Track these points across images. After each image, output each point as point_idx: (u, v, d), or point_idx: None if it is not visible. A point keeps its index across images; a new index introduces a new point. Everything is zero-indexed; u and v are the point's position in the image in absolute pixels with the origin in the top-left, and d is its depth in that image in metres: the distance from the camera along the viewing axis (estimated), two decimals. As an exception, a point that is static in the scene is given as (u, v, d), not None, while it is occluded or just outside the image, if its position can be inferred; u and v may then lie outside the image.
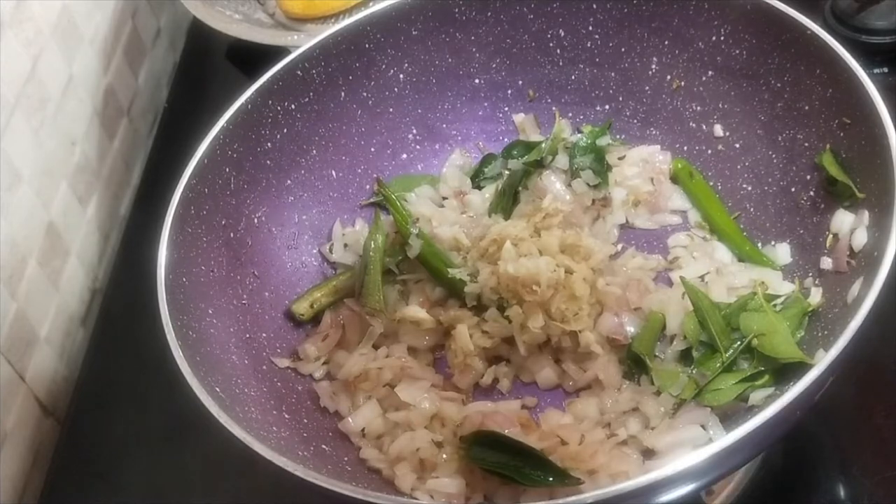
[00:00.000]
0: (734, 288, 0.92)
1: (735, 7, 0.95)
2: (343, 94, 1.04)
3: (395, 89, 1.06)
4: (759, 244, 0.95)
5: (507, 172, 1.05)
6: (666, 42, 1.01)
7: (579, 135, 1.05)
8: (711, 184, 1.01)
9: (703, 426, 0.81)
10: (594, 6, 1.02)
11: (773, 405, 0.67)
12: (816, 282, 0.88)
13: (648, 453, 0.83)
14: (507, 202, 1.02)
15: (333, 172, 1.05)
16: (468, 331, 0.92)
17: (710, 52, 0.98)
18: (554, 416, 0.88)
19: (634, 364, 0.89)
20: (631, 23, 1.02)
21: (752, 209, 0.97)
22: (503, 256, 0.91)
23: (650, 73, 1.03)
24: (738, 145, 0.99)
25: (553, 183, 1.01)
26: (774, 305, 0.87)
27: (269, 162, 1.00)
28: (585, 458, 0.81)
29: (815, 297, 0.86)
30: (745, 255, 0.95)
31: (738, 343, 0.84)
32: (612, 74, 1.05)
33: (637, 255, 0.98)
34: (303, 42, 1.01)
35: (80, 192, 1.26)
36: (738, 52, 0.96)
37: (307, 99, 1.01)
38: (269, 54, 1.10)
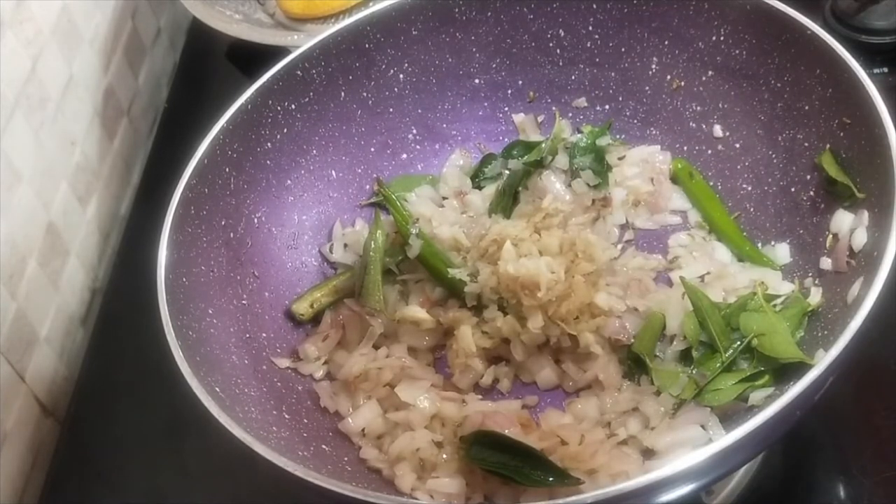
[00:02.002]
0: (734, 288, 0.92)
1: (735, 7, 0.95)
2: (343, 94, 1.04)
3: (395, 89, 1.06)
4: (759, 244, 0.95)
5: (507, 172, 1.05)
6: (666, 42, 1.01)
7: (579, 135, 1.05)
8: (711, 184, 1.01)
9: (703, 426, 0.81)
10: (594, 6, 1.02)
11: (773, 405, 0.67)
12: (816, 282, 0.88)
13: (648, 453, 0.83)
14: (507, 202, 1.02)
15: (333, 172, 1.05)
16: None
17: (710, 52, 0.98)
18: (554, 416, 0.88)
19: (634, 364, 0.89)
20: (631, 23, 1.02)
21: (751, 209, 0.97)
22: (503, 256, 0.91)
23: (650, 73, 1.03)
24: (738, 145, 0.99)
25: (553, 183, 1.01)
26: (774, 305, 0.87)
27: (269, 162, 1.00)
28: (585, 458, 0.81)
29: (815, 297, 0.86)
30: (745, 255, 0.95)
31: (738, 343, 0.84)
32: (612, 74, 1.05)
33: (637, 255, 0.98)
34: (303, 42, 1.01)
35: (80, 192, 1.26)
36: (738, 52, 0.96)
37: (307, 99, 1.01)
38: (269, 54, 1.10)
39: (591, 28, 1.04)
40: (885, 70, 1.20)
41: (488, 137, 1.10)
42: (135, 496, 1.05)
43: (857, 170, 0.84)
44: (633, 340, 0.89)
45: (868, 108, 0.81)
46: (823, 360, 0.69)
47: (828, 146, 0.88)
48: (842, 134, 0.86)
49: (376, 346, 0.95)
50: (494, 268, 0.91)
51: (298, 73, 1.00)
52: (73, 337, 1.23)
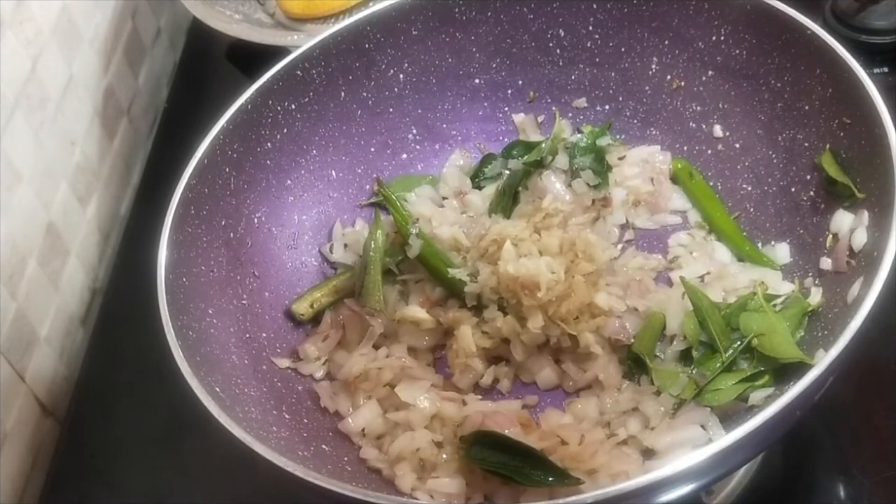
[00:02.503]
0: (734, 288, 0.92)
1: (735, 7, 0.95)
2: (343, 94, 1.04)
3: (395, 89, 1.06)
4: (759, 244, 0.95)
5: (507, 172, 1.05)
6: (666, 42, 1.01)
7: (579, 135, 1.05)
8: (711, 184, 1.01)
9: (703, 426, 0.81)
10: (594, 6, 1.02)
11: (773, 405, 0.67)
12: (816, 282, 0.88)
13: (648, 453, 0.83)
14: (507, 202, 1.02)
15: (333, 172, 1.05)
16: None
17: (710, 52, 0.98)
18: (554, 416, 0.88)
19: (634, 364, 0.89)
20: (631, 23, 1.02)
21: (752, 209, 0.97)
22: (503, 256, 0.91)
23: (650, 73, 1.03)
24: (738, 145, 0.99)
25: (553, 183, 1.01)
26: (774, 305, 0.87)
27: (269, 162, 1.00)
28: (585, 458, 0.81)
29: (815, 297, 0.86)
30: (745, 255, 0.95)
31: (738, 343, 0.84)
32: (612, 74, 1.05)
33: (637, 255, 0.98)
34: (303, 42, 1.01)
35: (80, 192, 1.26)
36: (738, 52, 0.96)
37: (307, 99, 1.01)
38: (269, 54, 1.10)
39: (591, 28, 1.04)
40: (885, 70, 1.20)
41: (488, 137, 1.10)
42: (135, 496, 1.05)
43: (857, 170, 0.84)
44: (633, 340, 0.89)
45: (868, 108, 0.81)
46: (823, 360, 0.69)
47: (828, 146, 0.88)
48: (842, 134, 0.86)
49: (376, 346, 0.95)
50: (494, 268, 0.91)
51: (298, 73, 1.00)
52: (73, 337, 1.23)
